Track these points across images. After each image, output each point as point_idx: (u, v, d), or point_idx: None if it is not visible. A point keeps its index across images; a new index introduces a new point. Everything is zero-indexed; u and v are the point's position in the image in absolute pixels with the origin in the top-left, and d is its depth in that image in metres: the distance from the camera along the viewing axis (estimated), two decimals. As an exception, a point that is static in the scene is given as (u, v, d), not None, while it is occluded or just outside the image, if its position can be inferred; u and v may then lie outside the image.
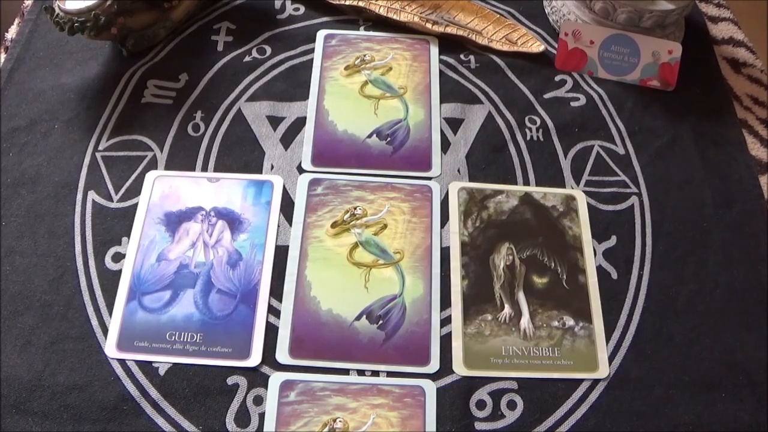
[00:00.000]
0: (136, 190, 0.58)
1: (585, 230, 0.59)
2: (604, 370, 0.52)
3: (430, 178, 0.61)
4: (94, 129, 0.62)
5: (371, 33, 0.71)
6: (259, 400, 0.49)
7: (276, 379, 0.50)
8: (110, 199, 0.58)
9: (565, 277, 0.56)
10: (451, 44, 0.71)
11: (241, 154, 0.61)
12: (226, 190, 0.59)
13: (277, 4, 0.73)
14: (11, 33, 0.69)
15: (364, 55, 0.69)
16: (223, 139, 0.62)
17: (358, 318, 0.53)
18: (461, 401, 0.50)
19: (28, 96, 0.64)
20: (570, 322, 0.54)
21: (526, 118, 0.66)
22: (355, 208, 0.58)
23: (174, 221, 0.57)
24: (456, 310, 0.54)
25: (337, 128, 0.63)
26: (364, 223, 0.58)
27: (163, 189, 0.59)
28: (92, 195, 0.58)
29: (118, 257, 0.55)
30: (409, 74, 0.68)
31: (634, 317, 0.55)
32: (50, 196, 0.58)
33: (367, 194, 0.59)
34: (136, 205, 0.58)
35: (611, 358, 0.52)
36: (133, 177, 0.59)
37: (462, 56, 0.70)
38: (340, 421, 0.48)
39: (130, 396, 0.48)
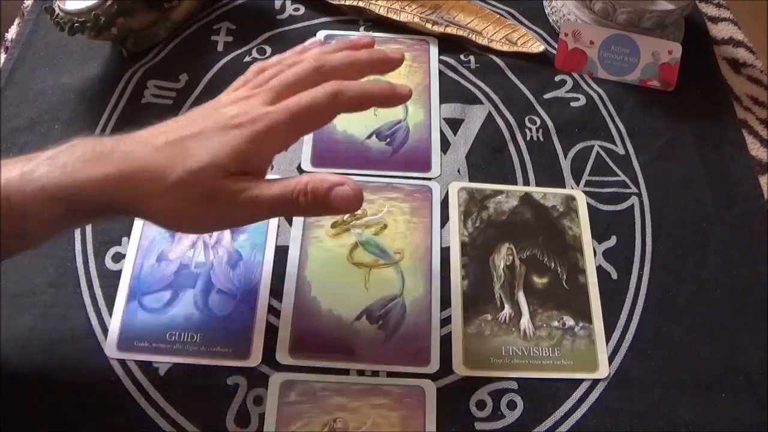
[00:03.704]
0: (136, 190, 0.58)
1: (585, 230, 0.59)
2: (604, 370, 0.52)
3: (430, 179, 0.61)
4: (94, 129, 0.62)
5: (371, 33, 0.71)
6: (259, 400, 0.49)
7: (276, 379, 0.50)
8: (110, 199, 0.58)
9: (565, 277, 0.56)
10: (451, 44, 0.71)
11: (241, 154, 0.61)
12: (226, 190, 0.59)
13: (277, 4, 0.73)
14: (11, 33, 0.69)
15: (364, 56, 0.69)
16: (223, 139, 0.62)
17: (358, 318, 0.53)
18: (461, 401, 0.50)
19: (28, 96, 0.64)
20: (570, 322, 0.54)
21: (526, 118, 0.66)
22: (355, 208, 0.58)
23: (174, 221, 0.57)
24: (456, 310, 0.54)
25: (336, 129, 0.63)
26: (364, 223, 0.58)
27: (163, 189, 0.59)
28: (92, 195, 0.58)
29: (118, 257, 0.55)
30: (409, 75, 0.68)
31: (634, 317, 0.55)
32: (50, 196, 0.58)
33: (367, 194, 0.59)
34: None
35: (611, 358, 0.52)
36: (133, 177, 0.59)
37: (462, 56, 0.70)
38: (340, 421, 0.48)
39: (130, 396, 0.48)
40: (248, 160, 0.41)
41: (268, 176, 0.59)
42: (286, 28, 0.71)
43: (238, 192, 0.40)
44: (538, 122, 0.65)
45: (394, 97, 0.45)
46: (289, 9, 0.73)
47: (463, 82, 0.68)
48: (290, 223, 0.57)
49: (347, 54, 0.46)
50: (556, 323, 0.54)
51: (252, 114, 0.41)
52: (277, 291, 0.54)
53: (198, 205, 0.40)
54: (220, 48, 0.69)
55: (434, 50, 0.70)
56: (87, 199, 0.39)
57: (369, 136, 0.63)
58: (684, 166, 0.64)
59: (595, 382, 0.51)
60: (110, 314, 0.52)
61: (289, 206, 0.41)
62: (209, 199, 0.39)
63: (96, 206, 0.40)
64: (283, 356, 0.51)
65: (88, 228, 0.56)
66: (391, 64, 0.48)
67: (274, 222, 0.57)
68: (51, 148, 0.41)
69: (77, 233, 0.56)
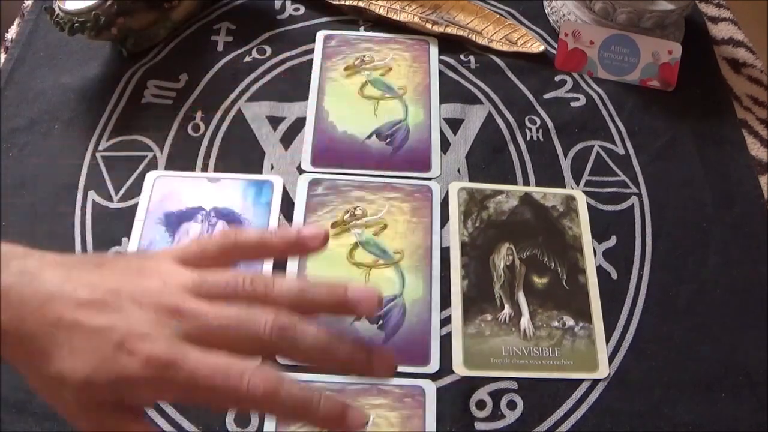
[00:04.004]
0: (136, 190, 0.58)
1: (585, 230, 0.59)
2: (604, 370, 0.52)
3: (430, 179, 0.61)
4: (94, 129, 0.62)
5: (371, 33, 0.71)
6: (259, 400, 0.49)
7: (276, 379, 0.49)
8: (110, 199, 0.58)
9: (565, 277, 0.56)
10: (451, 44, 0.71)
11: (241, 155, 0.61)
12: (226, 190, 0.59)
13: (277, 4, 0.73)
14: (11, 33, 0.69)
15: (364, 56, 0.69)
16: (223, 140, 0.62)
17: (358, 318, 0.53)
18: (461, 401, 0.50)
19: (28, 96, 0.64)
20: (570, 322, 0.54)
21: (526, 118, 0.66)
22: (355, 209, 0.58)
23: (174, 221, 0.57)
24: (456, 310, 0.54)
25: (336, 129, 0.63)
26: (364, 224, 0.57)
27: (163, 189, 0.59)
28: (92, 195, 0.58)
29: (118, 257, 0.55)
30: (409, 75, 0.68)
31: (634, 317, 0.55)
32: (50, 197, 0.58)
33: (367, 194, 0.59)
34: (136, 205, 0.58)
35: (611, 358, 0.52)
36: (133, 177, 0.59)
37: (462, 56, 0.70)
38: (340, 421, 0.48)
39: (130, 396, 0.48)
40: (125, 398, 0.32)
41: (269, 176, 0.60)
42: (286, 28, 0.71)
43: (103, 427, 0.33)
44: (538, 122, 0.65)
45: (337, 430, 0.33)
46: (289, 9, 0.73)
47: (463, 82, 0.68)
48: (290, 223, 0.57)
49: (324, 345, 0.33)
50: (556, 323, 0.54)
51: (152, 347, 0.31)
52: (277, 291, 0.54)
53: (64, 409, 0.34)
54: (220, 48, 0.69)
55: (434, 50, 0.70)
56: None
57: (369, 136, 0.63)
58: (684, 166, 0.64)
59: (595, 382, 0.51)
60: (110, 314, 0.52)
61: None
62: (73, 415, 0.33)
63: None
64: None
65: (88, 228, 0.56)
66: (373, 376, 0.35)
67: (273, 221, 0.57)
68: None
69: (77, 233, 0.56)
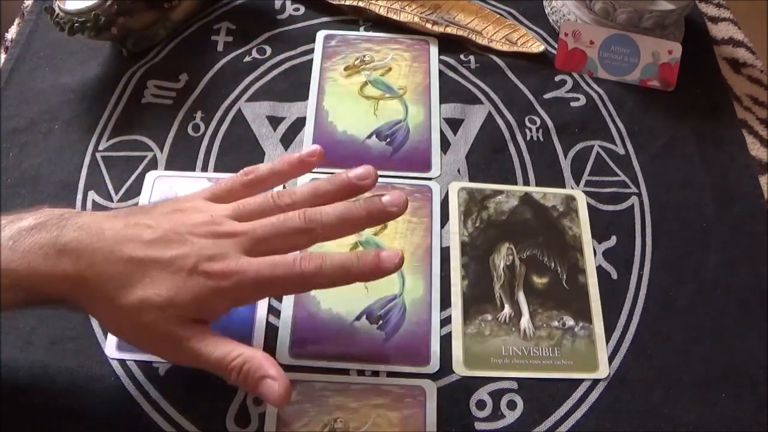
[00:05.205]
0: (136, 190, 0.58)
1: (585, 230, 0.59)
2: (604, 370, 0.52)
3: (430, 179, 0.61)
4: (94, 129, 0.62)
5: (371, 33, 0.71)
6: (259, 400, 0.49)
7: (276, 379, 0.49)
8: (110, 199, 0.58)
9: (565, 277, 0.56)
10: (451, 44, 0.71)
11: (241, 155, 0.61)
12: (226, 190, 0.59)
13: (277, 4, 0.73)
14: (11, 33, 0.69)
15: (364, 56, 0.69)
16: (223, 140, 0.62)
17: (358, 318, 0.53)
18: (461, 401, 0.50)
19: (28, 96, 0.64)
20: (570, 322, 0.54)
21: (526, 118, 0.66)
22: (355, 208, 0.58)
23: (174, 221, 0.57)
24: (456, 310, 0.54)
25: (336, 129, 0.63)
26: (364, 223, 0.57)
27: (163, 189, 0.59)
28: (92, 195, 0.58)
29: (118, 257, 0.55)
30: (409, 75, 0.68)
31: (634, 317, 0.55)
32: (50, 197, 0.58)
33: (367, 194, 0.59)
34: (136, 205, 0.58)
35: (611, 358, 0.52)
36: (133, 177, 0.59)
37: (462, 56, 0.70)
38: (340, 421, 0.48)
39: (130, 396, 0.48)
40: (205, 311, 0.41)
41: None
42: (286, 28, 0.71)
43: (183, 339, 0.40)
44: (538, 122, 0.65)
45: (378, 274, 0.43)
46: (289, 9, 0.73)
47: (463, 82, 0.68)
48: (290, 223, 0.57)
49: (342, 212, 0.44)
50: (556, 323, 0.54)
51: (222, 265, 0.39)
52: (277, 291, 0.54)
53: (144, 332, 0.40)
54: (220, 48, 0.69)
55: (434, 50, 0.70)
56: (44, 292, 0.40)
57: (369, 136, 0.63)
58: (684, 166, 0.64)
59: (595, 382, 0.51)
60: (110, 314, 0.52)
61: (224, 375, 0.41)
62: (154, 333, 0.40)
63: (53, 299, 0.40)
64: (283, 356, 0.51)
65: (88, 228, 0.56)
66: (389, 217, 0.46)
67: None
68: (15, 218, 0.40)
69: (77, 233, 0.56)
